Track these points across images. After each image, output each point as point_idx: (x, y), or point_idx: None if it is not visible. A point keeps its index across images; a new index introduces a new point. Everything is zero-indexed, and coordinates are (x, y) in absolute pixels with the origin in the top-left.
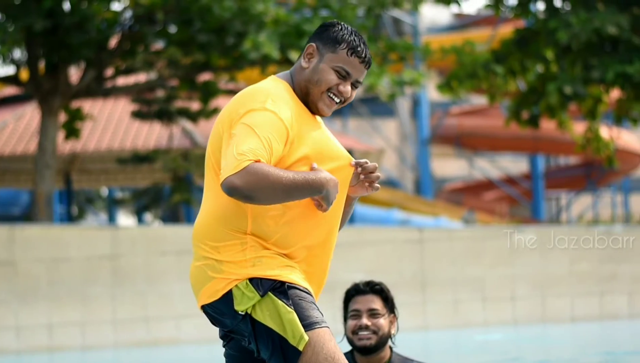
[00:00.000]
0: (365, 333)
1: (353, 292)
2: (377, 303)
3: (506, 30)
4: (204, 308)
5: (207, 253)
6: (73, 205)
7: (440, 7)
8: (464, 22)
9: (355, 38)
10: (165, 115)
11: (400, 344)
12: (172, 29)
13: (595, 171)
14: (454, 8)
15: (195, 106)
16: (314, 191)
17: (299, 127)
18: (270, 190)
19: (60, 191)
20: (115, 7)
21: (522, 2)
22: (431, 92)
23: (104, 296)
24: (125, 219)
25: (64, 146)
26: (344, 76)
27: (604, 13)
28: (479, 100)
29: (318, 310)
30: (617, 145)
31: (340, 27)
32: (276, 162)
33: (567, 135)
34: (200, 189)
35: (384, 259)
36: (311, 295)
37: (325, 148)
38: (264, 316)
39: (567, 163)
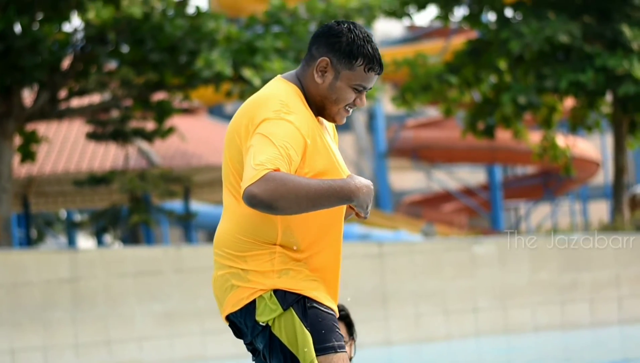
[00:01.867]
0: None
1: None
2: (342, 330)
3: (459, 41)
4: (229, 318)
5: (231, 262)
6: (32, 228)
7: (393, 20)
8: (416, 35)
9: (369, 48)
10: (120, 136)
11: (364, 360)
12: (125, 48)
13: (552, 180)
14: (406, 21)
15: (150, 125)
16: (342, 200)
17: (314, 138)
18: (292, 198)
19: (18, 215)
20: (67, 28)
21: (473, 13)
22: (386, 105)
23: (65, 320)
24: (85, 241)
25: (20, 169)
26: (360, 90)
27: (555, 22)
28: (435, 112)
29: (338, 332)
30: (574, 153)
31: (352, 36)
32: (294, 172)
33: (524, 144)
34: (158, 210)
35: (344, 274)
36: (333, 315)
37: (335, 162)
38: (281, 331)
39: (525, 173)
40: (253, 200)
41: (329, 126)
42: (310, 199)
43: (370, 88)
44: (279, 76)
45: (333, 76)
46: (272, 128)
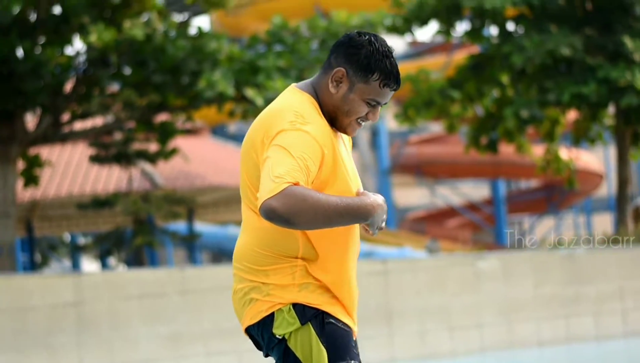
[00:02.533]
0: None
1: None
2: None
3: (461, 56)
4: (248, 330)
5: (252, 275)
6: (36, 253)
7: (395, 36)
8: (418, 50)
9: (388, 63)
10: (123, 158)
11: None
12: (127, 71)
13: (556, 193)
14: (408, 37)
15: (153, 147)
16: (358, 218)
17: (330, 147)
18: (310, 214)
19: (22, 239)
20: (69, 51)
21: (474, 28)
22: (389, 121)
23: (69, 344)
24: (89, 264)
25: (24, 193)
26: (374, 105)
27: (556, 35)
28: (438, 128)
29: (353, 350)
30: (577, 166)
31: (371, 50)
32: (311, 183)
33: (527, 158)
34: (162, 231)
35: None
36: (350, 332)
37: (346, 173)
38: (296, 345)
39: (528, 187)
40: (271, 214)
41: (345, 135)
42: (328, 216)
43: (385, 103)
44: (292, 85)
45: (347, 88)
46: (289, 139)
